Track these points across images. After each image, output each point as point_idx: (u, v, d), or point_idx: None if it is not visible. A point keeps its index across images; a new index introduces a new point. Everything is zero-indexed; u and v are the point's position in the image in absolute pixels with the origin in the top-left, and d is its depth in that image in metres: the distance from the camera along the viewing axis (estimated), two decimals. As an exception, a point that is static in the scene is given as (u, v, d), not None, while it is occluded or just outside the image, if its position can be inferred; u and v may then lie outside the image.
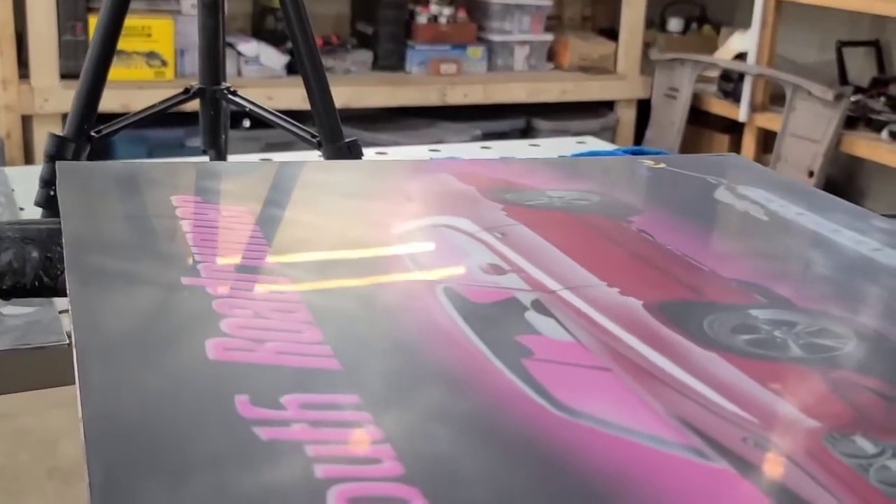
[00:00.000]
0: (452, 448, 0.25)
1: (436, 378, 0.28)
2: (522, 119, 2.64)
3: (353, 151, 0.62)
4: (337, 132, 0.64)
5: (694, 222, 0.44)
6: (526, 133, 2.61)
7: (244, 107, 0.66)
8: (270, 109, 0.68)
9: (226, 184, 0.44)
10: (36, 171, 0.68)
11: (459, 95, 2.53)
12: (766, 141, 2.50)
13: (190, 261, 0.35)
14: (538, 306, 0.34)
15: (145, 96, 1.95)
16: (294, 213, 0.41)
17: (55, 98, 2.12)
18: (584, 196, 0.46)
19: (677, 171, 0.51)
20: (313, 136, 0.65)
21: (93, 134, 0.64)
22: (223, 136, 0.67)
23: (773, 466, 0.25)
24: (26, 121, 2.15)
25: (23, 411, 0.46)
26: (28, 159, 2.13)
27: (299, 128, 0.67)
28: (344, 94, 2.36)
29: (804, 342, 0.32)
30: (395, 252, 0.37)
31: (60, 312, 0.52)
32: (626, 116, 2.73)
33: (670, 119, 2.63)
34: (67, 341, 0.49)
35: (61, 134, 0.64)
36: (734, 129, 2.60)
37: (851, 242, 0.42)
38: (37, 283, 0.37)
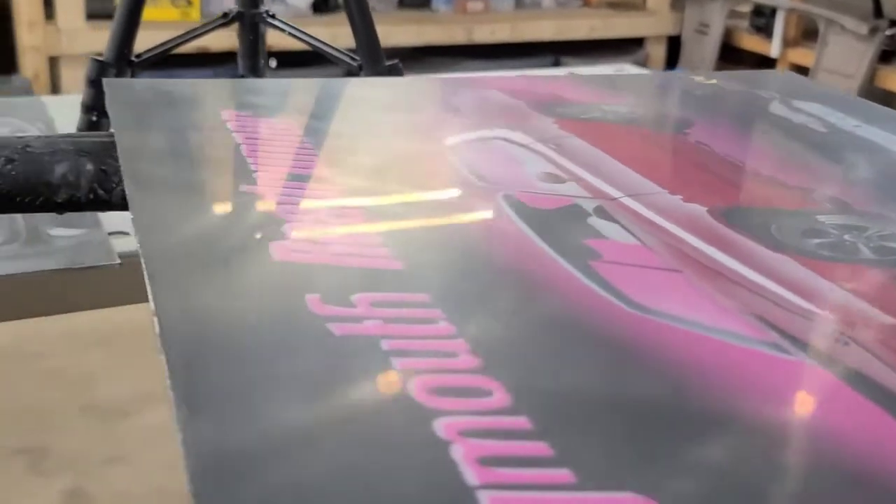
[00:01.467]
0: (527, 342, 0.24)
1: (503, 277, 0.28)
2: (550, 57, 2.61)
3: (393, 74, 0.62)
4: (378, 55, 0.63)
5: (751, 134, 0.43)
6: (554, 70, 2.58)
7: (283, 30, 0.66)
8: (309, 34, 0.67)
9: (271, 99, 0.44)
10: (72, 101, 0.68)
11: (486, 34, 2.50)
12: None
13: (245, 170, 0.34)
14: (601, 212, 0.33)
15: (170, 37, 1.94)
16: (342, 125, 0.40)
17: (81, 39, 2.11)
18: (636, 110, 0.45)
19: (729, 87, 0.50)
20: (353, 60, 0.64)
21: (133, 59, 0.63)
22: (262, 62, 0.66)
23: (853, 359, 0.24)
24: (53, 62, 2.14)
25: (54, 352, 0.46)
26: (56, 101, 2.13)
27: (339, 51, 0.66)
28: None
29: (875, 245, 0.32)
30: (448, 160, 0.37)
31: (110, 234, 0.52)
32: (656, 53, 2.69)
33: (701, 56, 2.59)
34: (119, 262, 0.49)
35: (102, 59, 0.63)
36: (766, 65, 2.55)
37: (914, 152, 0.41)
38: (91, 196, 0.36)
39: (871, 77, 2.25)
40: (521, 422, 0.21)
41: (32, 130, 0.66)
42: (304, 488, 0.19)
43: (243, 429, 0.20)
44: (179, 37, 0.67)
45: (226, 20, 0.65)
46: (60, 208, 0.36)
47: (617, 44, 2.65)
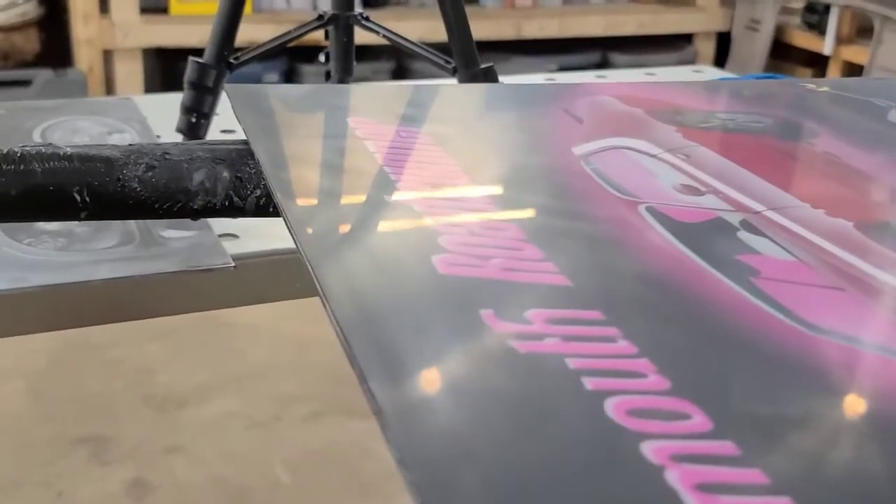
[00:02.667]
0: (712, 362, 0.24)
1: (669, 293, 0.28)
2: (598, 53, 2.59)
3: (488, 78, 0.62)
4: (472, 58, 0.63)
5: (876, 144, 0.42)
6: (601, 67, 2.57)
7: (378, 32, 0.66)
8: (405, 37, 0.67)
9: (393, 105, 0.44)
10: (162, 100, 0.69)
11: (535, 29, 2.50)
12: (852, 75, 2.43)
13: (385, 178, 0.34)
14: (748, 226, 0.33)
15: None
16: (469, 133, 0.40)
17: (135, 32, 2.13)
18: (756, 119, 0.45)
19: (842, 94, 0.49)
20: (447, 63, 0.64)
21: (231, 60, 0.63)
22: (354, 63, 0.66)
23: None
24: (107, 55, 2.16)
25: (116, 342, 0.47)
26: (109, 94, 2.15)
27: (434, 54, 0.66)
28: (417, 29, 2.34)
29: None
30: (582, 170, 0.37)
31: (220, 236, 0.53)
32: (705, 50, 2.67)
33: (751, 52, 2.57)
34: (233, 264, 0.49)
35: (202, 60, 0.63)
36: (818, 63, 2.53)
37: None
38: (227, 203, 0.37)
39: (927, 76, 2.22)
40: (728, 447, 0.21)
41: (129, 130, 0.67)
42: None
43: (443, 438, 0.20)
44: (277, 38, 0.67)
45: (321, 22, 0.65)
46: (196, 214, 0.36)
47: (665, 40, 2.63)
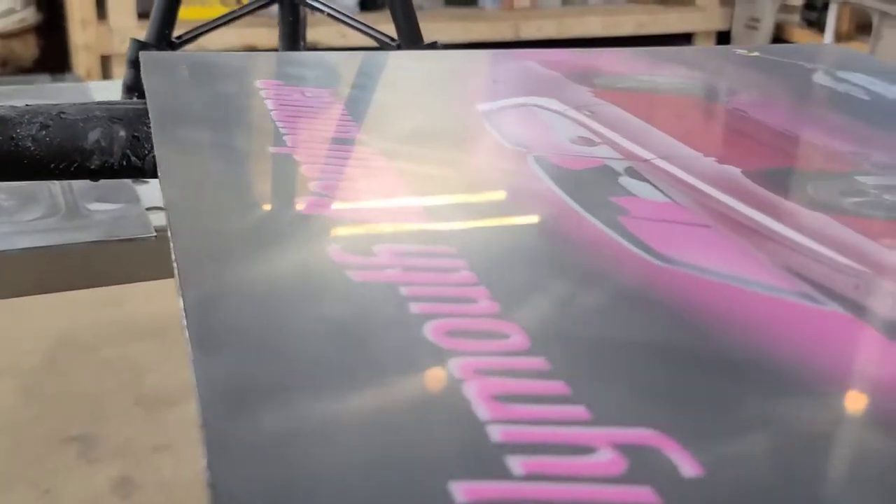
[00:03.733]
0: (548, 290, 0.24)
1: (531, 231, 0.27)
2: (598, 53, 2.59)
3: (432, 54, 0.61)
4: (416, 35, 0.63)
5: (792, 102, 0.42)
6: (601, 68, 2.56)
7: (323, 11, 0.66)
8: (348, 14, 0.67)
9: (308, 70, 0.44)
10: (117, 86, 0.69)
11: (533, 30, 2.49)
12: (852, 71, 2.41)
13: (275, 133, 0.34)
14: (632, 172, 0.32)
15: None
16: (378, 93, 0.40)
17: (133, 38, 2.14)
18: (675, 80, 0.44)
19: (773, 59, 0.49)
20: (392, 40, 0.64)
21: (174, 40, 0.64)
22: (302, 45, 0.66)
23: (889, 307, 0.24)
24: (105, 60, 2.17)
25: (107, 342, 0.47)
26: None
27: (378, 32, 0.66)
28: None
29: (916, 204, 0.31)
30: (481, 125, 0.36)
31: (147, 209, 0.53)
32: (705, 49, 2.66)
33: (751, 50, 2.56)
34: (154, 234, 0.49)
35: (143, 39, 0.64)
36: (818, 60, 2.51)
37: (962, 118, 0.40)
38: (124, 163, 0.37)
39: (928, 70, 2.20)
40: (539, 362, 0.21)
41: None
42: (319, 419, 0.18)
43: (259, 365, 0.20)
44: (219, 18, 0.67)
45: (265, 1, 0.66)
46: (94, 175, 0.36)
47: (665, 40, 2.62)
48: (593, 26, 2.54)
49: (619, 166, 0.33)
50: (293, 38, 0.64)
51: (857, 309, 0.24)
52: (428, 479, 0.17)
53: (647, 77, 0.45)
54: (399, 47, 0.64)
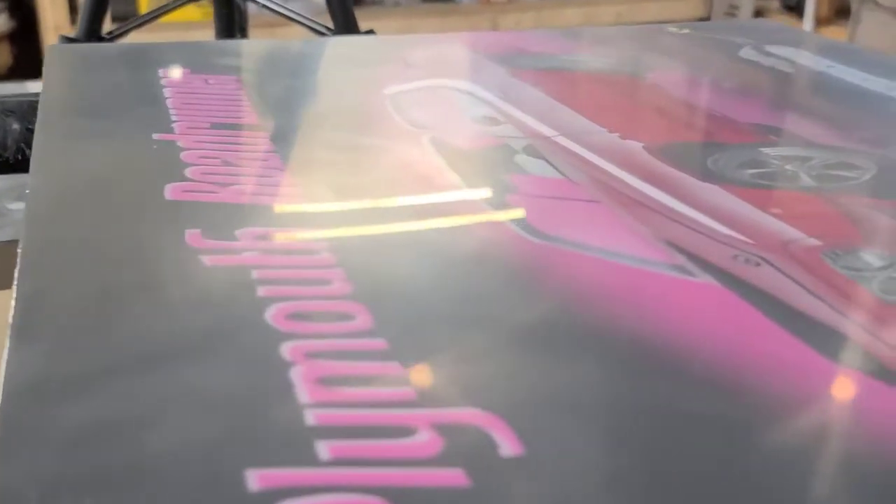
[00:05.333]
0: (413, 270, 0.23)
1: (407, 212, 0.26)
2: (577, 45, 2.58)
3: (369, 43, 0.60)
4: (351, 23, 0.62)
5: (713, 76, 0.41)
6: (582, 59, 2.55)
7: (257, 2, 0.65)
8: (281, 3, 0.66)
9: (219, 58, 0.43)
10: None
11: (511, 23, 2.48)
12: (832, 56, 2.41)
13: (165, 119, 0.33)
14: (530, 150, 0.31)
15: (196, 38, 1.95)
16: (284, 80, 0.39)
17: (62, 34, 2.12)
18: (599, 59, 0.43)
19: (703, 35, 0.48)
20: (328, 30, 0.63)
21: (104, 35, 0.63)
22: (238, 37, 0.65)
23: (763, 279, 0.23)
24: (80, 66, 2.16)
25: None
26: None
27: (314, 22, 0.65)
28: (393, 27, 2.33)
29: (818, 174, 0.30)
30: (383, 107, 0.35)
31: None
32: (685, 38, 2.65)
33: (731, 38, 2.55)
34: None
35: (72, 35, 0.63)
36: (798, 46, 2.50)
37: (884, 89, 0.39)
38: (19, 156, 0.35)
39: (907, 53, 2.19)
40: (379, 344, 0.20)
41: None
42: (125, 410, 0.17)
43: (75, 356, 0.19)
44: (152, 11, 0.66)
45: (197, -6, 0.64)
46: (-12, 169, 0.35)
47: (646, 29, 2.61)
48: (572, 17, 2.53)
49: (519, 144, 0.32)
50: (228, 31, 0.63)
51: (731, 281, 0.23)
52: (226, 466, 0.16)
53: (572, 56, 0.44)
54: (334, 35, 0.63)
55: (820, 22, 2.41)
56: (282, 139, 0.32)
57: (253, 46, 0.47)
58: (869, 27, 2.27)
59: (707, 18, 2.62)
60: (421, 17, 2.40)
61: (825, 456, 0.17)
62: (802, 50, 0.45)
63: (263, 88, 0.38)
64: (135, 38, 0.74)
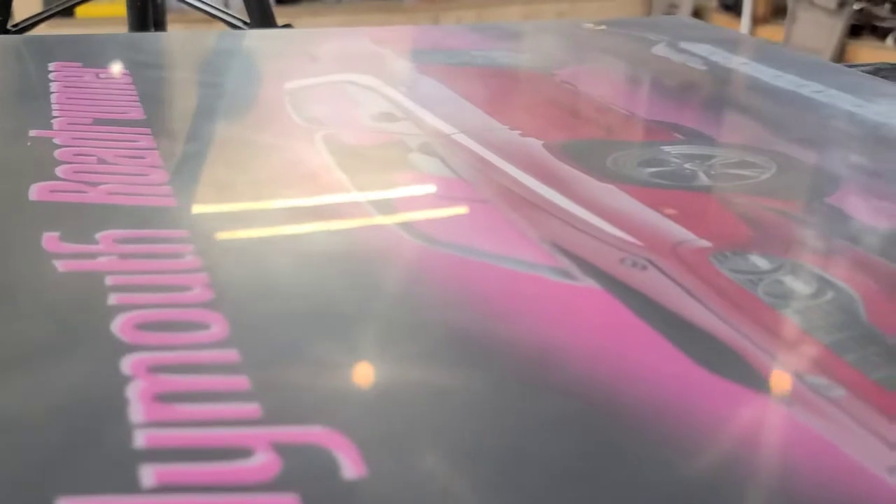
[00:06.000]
0: (280, 276, 0.22)
1: (284, 214, 0.25)
2: (519, 42, 2.58)
3: (286, 37, 0.59)
4: (268, 16, 0.60)
5: (623, 73, 0.40)
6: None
7: (170, -6, 0.63)
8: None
9: (115, 52, 0.41)
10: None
11: (452, 20, 2.47)
12: (770, 55, 2.43)
13: (45, 115, 0.31)
14: (425, 148, 0.30)
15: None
16: (182, 73, 0.38)
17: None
18: (510, 54, 0.42)
19: (619, 32, 0.47)
20: (244, 23, 0.62)
21: (10, 28, 0.60)
22: (152, 31, 0.63)
23: (647, 283, 0.22)
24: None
25: None
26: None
27: (230, 15, 0.63)
28: (334, 25, 2.31)
29: (717, 173, 0.29)
30: (280, 103, 0.34)
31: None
32: (626, 36, 2.66)
33: (671, 36, 2.57)
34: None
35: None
36: (736, 44, 2.53)
37: (793, 86, 0.38)
38: None
39: (841, 52, 2.23)
40: (230, 355, 0.18)
41: None
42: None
43: None
44: (59, 4, 0.64)
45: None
46: None
47: (587, 27, 2.62)
48: (514, 15, 2.52)
49: (415, 142, 0.31)
50: (142, 25, 0.61)
51: (614, 284, 0.22)
52: (37, 493, 0.14)
53: (483, 52, 0.43)
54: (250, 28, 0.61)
55: (757, 21, 2.43)
56: (166, 136, 0.30)
57: (154, 40, 0.45)
58: (804, 25, 2.30)
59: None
60: (363, 15, 2.39)
61: (691, 465, 0.16)
62: (717, 47, 0.44)
63: (156, 83, 0.36)
64: (48, 32, 0.71)
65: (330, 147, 0.30)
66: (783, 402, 0.17)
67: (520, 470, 0.15)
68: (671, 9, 2.56)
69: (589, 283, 0.22)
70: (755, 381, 0.18)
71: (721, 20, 2.51)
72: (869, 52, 2.19)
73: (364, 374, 0.18)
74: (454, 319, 0.20)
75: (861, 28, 2.25)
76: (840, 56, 2.22)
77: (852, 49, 2.22)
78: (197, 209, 0.25)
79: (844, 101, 0.36)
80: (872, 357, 0.19)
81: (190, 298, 0.20)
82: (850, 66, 0.43)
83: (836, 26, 2.22)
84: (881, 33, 2.22)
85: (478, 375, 0.18)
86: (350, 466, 0.15)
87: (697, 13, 2.54)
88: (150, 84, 0.36)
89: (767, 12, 2.44)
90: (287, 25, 0.61)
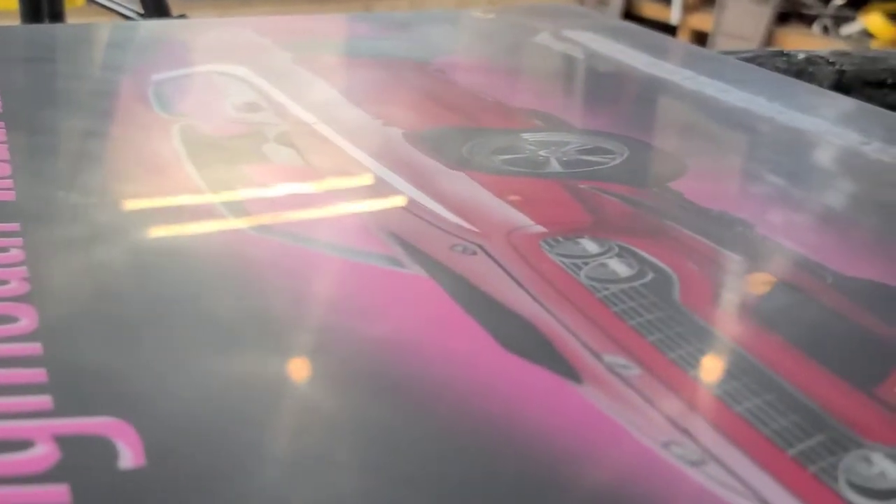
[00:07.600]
0: (102, 268, 0.22)
1: (119, 208, 0.25)
2: (453, 32, 2.58)
3: (182, 28, 0.58)
4: (163, 8, 0.60)
5: (499, 62, 0.40)
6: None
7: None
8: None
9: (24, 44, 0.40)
10: None
11: (385, 9, 2.47)
12: (700, 42, 2.46)
13: None
14: (281, 138, 0.30)
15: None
16: (48, 65, 0.37)
17: None
18: (391, 43, 0.43)
19: (504, 20, 0.47)
20: (140, 15, 0.61)
21: None
22: (45, 22, 0.62)
23: (473, 269, 0.22)
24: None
25: None
26: None
27: (125, 6, 0.62)
28: (266, 14, 2.29)
29: (569, 159, 0.29)
30: (143, 94, 0.34)
31: None
32: (559, 25, 2.67)
33: (603, 25, 2.58)
34: None
35: None
36: (667, 32, 2.55)
37: (665, 73, 0.39)
38: None
39: (769, 39, 2.26)
40: (33, 348, 0.18)
41: None
42: None
43: None
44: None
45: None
46: None
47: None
48: (447, 2, 2.53)
49: (272, 132, 0.31)
50: (34, 16, 0.60)
51: (440, 271, 0.22)
52: None
53: (364, 41, 0.43)
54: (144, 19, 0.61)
55: (688, 8, 2.46)
56: (20, 129, 0.30)
57: (31, 32, 0.44)
58: (734, 14, 2.33)
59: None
60: (294, 4, 2.37)
61: (473, 453, 0.16)
62: (599, 35, 0.45)
63: (17, 75, 0.36)
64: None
65: (185, 139, 0.30)
66: (574, 382, 0.18)
67: (324, 457, 0.16)
68: (603, -3, 2.58)
69: (415, 271, 0.22)
70: (555, 363, 0.18)
71: (652, 9, 2.54)
72: (797, 38, 2.23)
73: (160, 366, 0.18)
74: (265, 307, 0.20)
75: (788, 15, 2.29)
76: (768, 42, 2.26)
77: (780, 36, 2.26)
78: (33, 204, 0.25)
79: (712, 88, 0.37)
80: (675, 337, 0.19)
81: (3, 292, 0.20)
82: (727, 53, 0.44)
83: (765, 14, 2.26)
84: (808, 20, 2.27)
85: (291, 366, 0.18)
86: (130, 456, 0.15)
87: (629, 2, 2.56)
88: (15, 77, 0.35)
89: (697, 1, 2.47)
90: (181, 16, 0.61)
